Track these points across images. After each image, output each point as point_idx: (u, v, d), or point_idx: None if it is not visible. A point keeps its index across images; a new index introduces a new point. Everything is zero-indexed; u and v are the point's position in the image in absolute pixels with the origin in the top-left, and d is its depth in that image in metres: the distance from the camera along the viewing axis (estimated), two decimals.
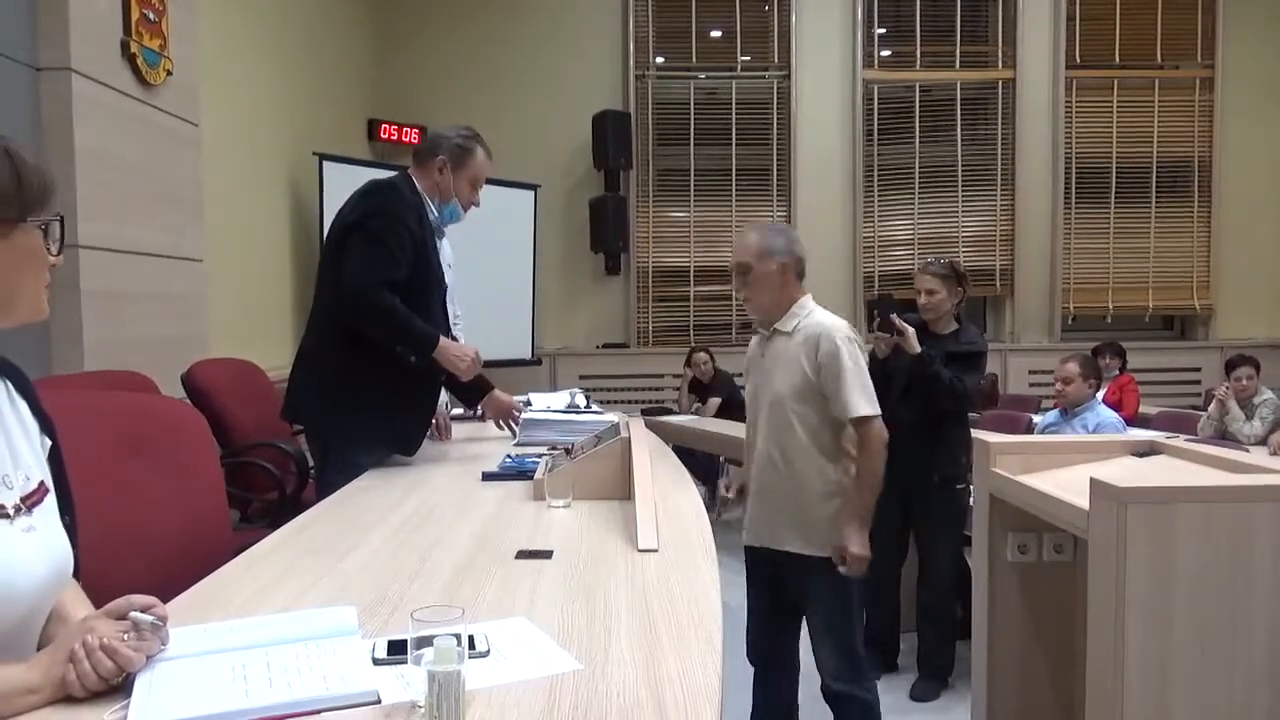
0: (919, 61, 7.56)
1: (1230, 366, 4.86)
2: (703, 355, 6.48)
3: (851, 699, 2.51)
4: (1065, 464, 2.53)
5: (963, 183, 7.56)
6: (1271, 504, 1.91)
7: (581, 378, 6.89)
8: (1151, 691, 1.89)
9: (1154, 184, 7.55)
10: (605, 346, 7.48)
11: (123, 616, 1.11)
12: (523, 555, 1.65)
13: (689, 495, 2.18)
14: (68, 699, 1.02)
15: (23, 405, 1.21)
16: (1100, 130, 7.52)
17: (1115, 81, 7.51)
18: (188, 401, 3.18)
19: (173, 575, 1.47)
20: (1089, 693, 2.02)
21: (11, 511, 1.11)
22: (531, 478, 2.22)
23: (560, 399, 3.45)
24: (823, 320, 2.47)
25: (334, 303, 2.54)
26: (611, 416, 3.00)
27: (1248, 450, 3.88)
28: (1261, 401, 4.68)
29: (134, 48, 3.39)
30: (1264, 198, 7.55)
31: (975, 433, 3.15)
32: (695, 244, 7.56)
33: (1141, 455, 2.64)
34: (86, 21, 3.14)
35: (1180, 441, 2.80)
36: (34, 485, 1.16)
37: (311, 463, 2.90)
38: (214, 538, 1.89)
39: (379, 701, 1.02)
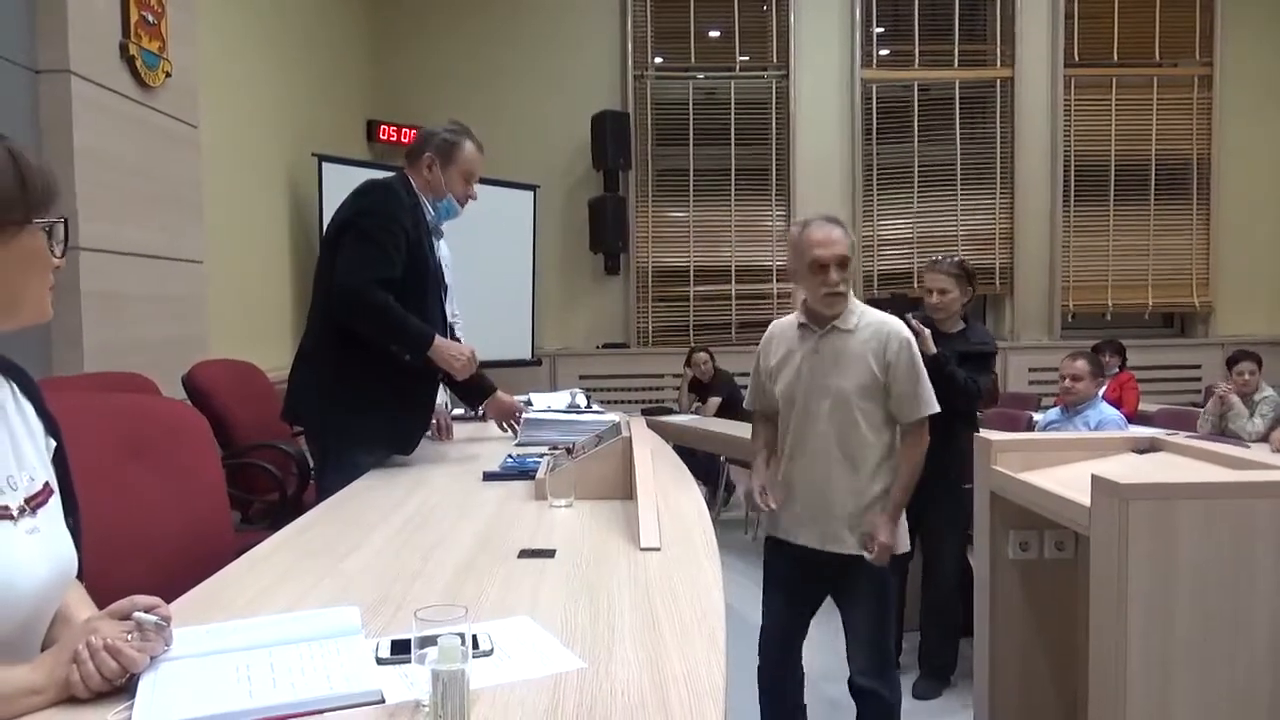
0: (917, 60, 7.57)
1: (1232, 362, 4.86)
2: (703, 355, 6.48)
3: (877, 697, 2.51)
4: (1066, 461, 2.53)
5: (961, 181, 7.57)
6: (1272, 500, 1.91)
7: (581, 378, 6.89)
8: (1154, 687, 1.89)
9: (1153, 181, 7.56)
10: (605, 347, 7.49)
11: (126, 617, 1.11)
12: (525, 555, 1.65)
13: (690, 494, 2.18)
14: (72, 700, 1.02)
15: (28, 407, 1.21)
16: (1099, 128, 7.53)
17: (1114, 80, 7.52)
18: (188, 403, 3.18)
19: (174, 577, 1.47)
20: (1091, 689, 2.02)
21: (15, 513, 1.11)
22: (533, 477, 2.22)
23: (561, 399, 3.45)
24: (883, 318, 2.49)
25: (329, 303, 2.55)
26: (613, 416, 3.00)
27: (1249, 447, 3.88)
28: (1262, 398, 4.69)
29: (133, 49, 3.39)
30: (1263, 194, 7.56)
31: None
32: (695, 244, 7.56)
33: (1142, 452, 2.65)
34: (85, 23, 3.14)
35: (1181, 438, 2.80)
36: (38, 487, 1.16)
37: (312, 464, 2.90)
38: (215, 539, 1.89)
39: (383, 701, 1.02)
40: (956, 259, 3.45)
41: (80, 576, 1.23)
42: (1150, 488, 1.92)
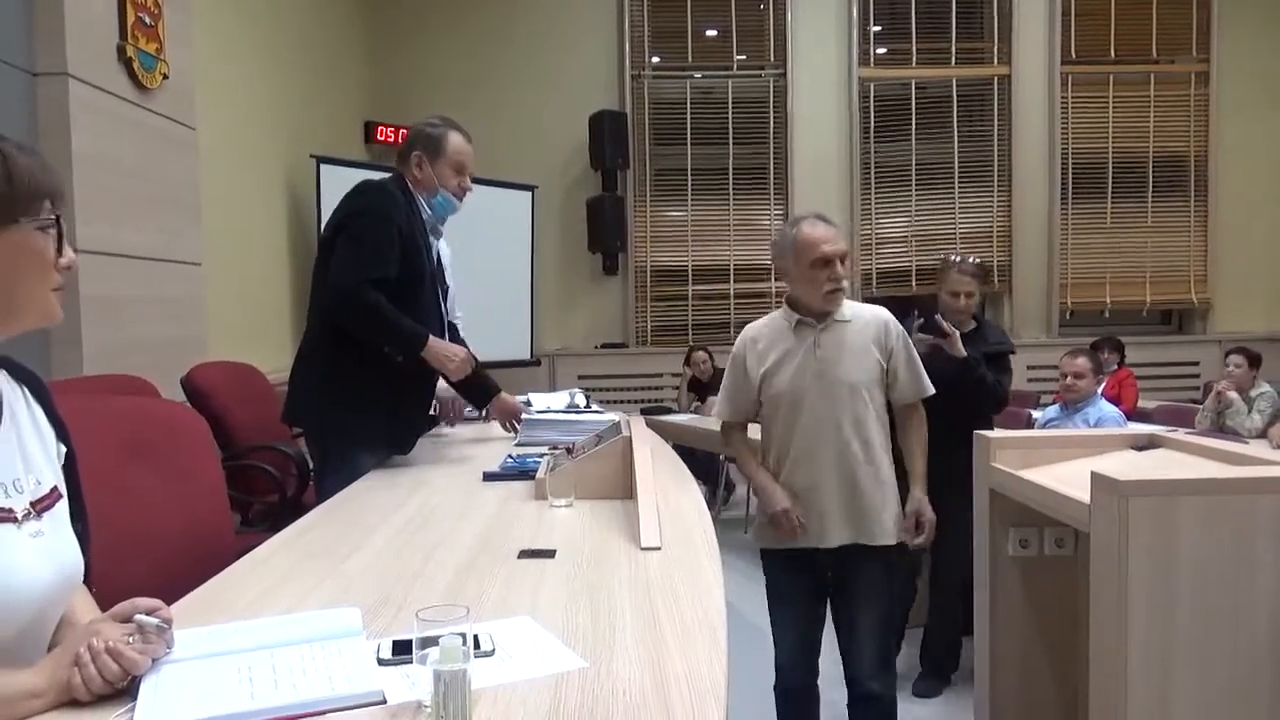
0: (914, 59, 7.56)
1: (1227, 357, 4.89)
2: (702, 354, 6.48)
3: (881, 700, 2.46)
4: (1065, 458, 2.53)
5: (959, 179, 7.57)
6: (1272, 496, 1.91)
7: (580, 378, 6.89)
8: (1154, 684, 1.89)
9: (1150, 178, 7.56)
10: (604, 346, 7.48)
11: (128, 620, 1.11)
12: (525, 555, 1.65)
13: (690, 493, 2.18)
14: (73, 703, 1.02)
15: (39, 410, 1.21)
16: (1096, 125, 7.53)
17: (1111, 77, 7.52)
18: (188, 405, 3.18)
19: (175, 579, 1.47)
20: (1092, 686, 2.02)
21: (20, 516, 1.11)
22: (533, 477, 2.23)
23: (560, 399, 3.46)
24: (870, 307, 2.52)
25: (326, 304, 2.55)
26: (612, 416, 3.00)
27: (1247, 443, 3.88)
28: (1260, 394, 4.69)
29: (130, 52, 3.39)
30: (1260, 191, 7.56)
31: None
32: (693, 243, 7.56)
33: (1141, 449, 2.65)
34: (82, 26, 3.13)
35: (1180, 435, 2.81)
36: (45, 490, 1.16)
37: (312, 465, 2.90)
38: (216, 541, 1.89)
39: (385, 701, 1.02)
40: (975, 259, 3.40)
41: (88, 582, 1.23)
42: (1150, 484, 1.92)
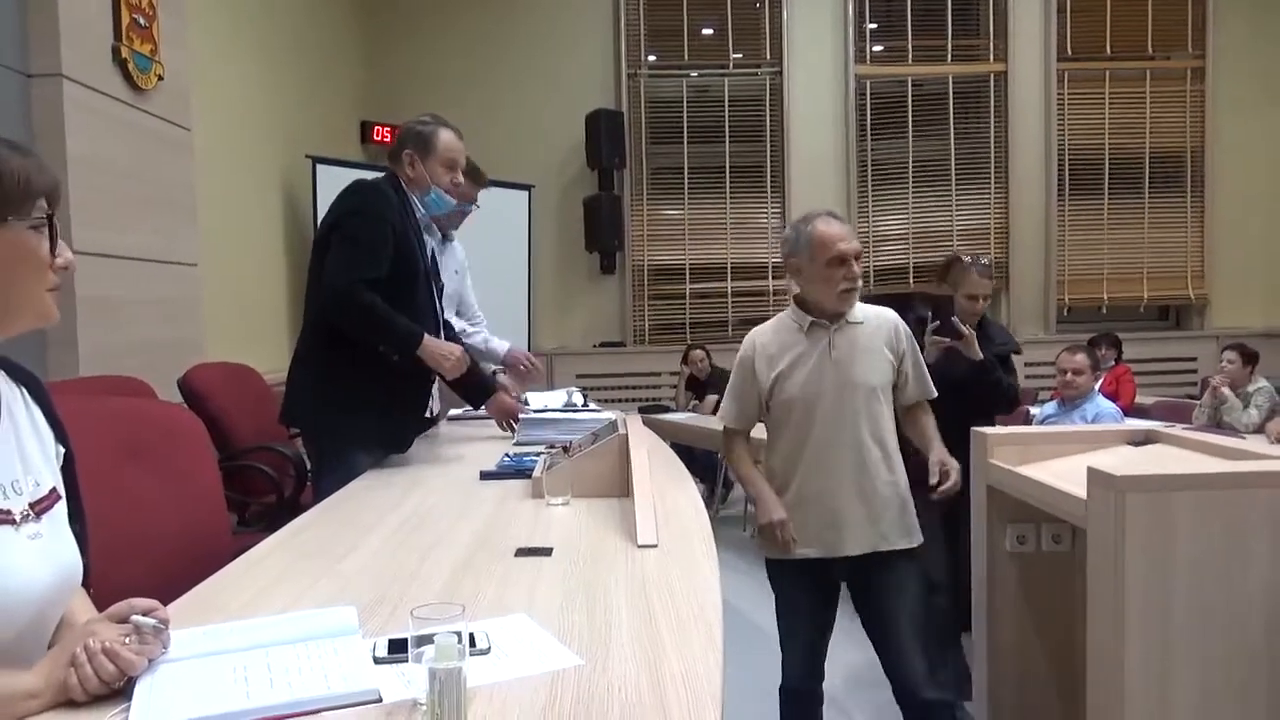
0: (910, 56, 7.56)
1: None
2: (699, 353, 6.48)
3: (945, 706, 2.34)
4: (1062, 454, 2.53)
5: (956, 176, 7.57)
6: (1267, 490, 1.91)
7: (578, 376, 6.88)
8: (1152, 678, 1.89)
9: (1147, 174, 7.56)
10: (602, 345, 7.48)
11: (124, 620, 1.11)
12: (522, 553, 1.65)
13: (688, 491, 2.18)
14: (69, 703, 1.02)
15: (37, 411, 1.21)
16: (1092, 122, 7.53)
17: (1107, 73, 7.53)
18: (184, 406, 3.18)
19: (172, 579, 1.47)
20: (1090, 680, 2.03)
21: (18, 518, 1.10)
22: (530, 476, 2.23)
23: (557, 398, 3.46)
24: (878, 309, 2.48)
25: (320, 304, 2.55)
26: (609, 414, 3.00)
27: (1244, 438, 3.89)
28: (1256, 389, 4.70)
29: (125, 53, 3.38)
30: (1257, 187, 7.56)
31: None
32: (690, 241, 7.56)
33: (1137, 444, 2.65)
34: (77, 27, 3.13)
35: (1177, 430, 2.81)
36: (44, 491, 1.16)
37: (309, 465, 2.90)
38: (213, 541, 1.89)
39: (380, 700, 1.02)
40: (986, 260, 3.36)
41: (86, 584, 1.23)
42: (1145, 479, 1.92)
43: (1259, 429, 4.47)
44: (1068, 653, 2.55)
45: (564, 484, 2.08)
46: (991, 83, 7.53)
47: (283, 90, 5.39)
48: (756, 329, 2.51)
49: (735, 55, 7.53)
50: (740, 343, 2.50)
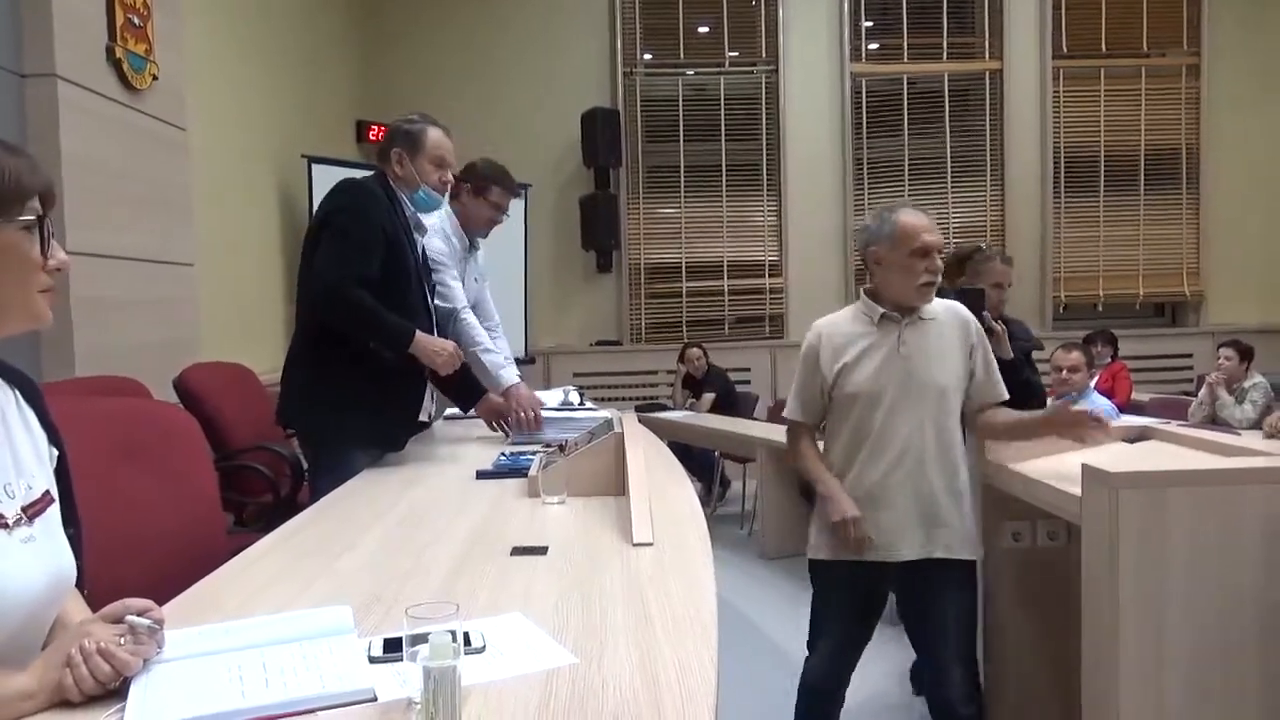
0: (906, 54, 7.56)
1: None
2: (696, 351, 6.49)
3: None
4: (1057, 451, 2.54)
5: (952, 174, 7.57)
6: (1260, 486, 1.92)
7: (575, 375, 6.88)
8: (1147, 672, 1.90)
9: (1142, 171, 7.57)
10: (598, 344, 7.48)
11: (119, 620, 1.10)
12: (518, 552, 1.66)
13: (684, 490, 2.18)
14: (64, 704, 1.02)
15: (30, 414, 1.20)
16: (1088, 119, 7.54)
17: (1102, 70, 7.53)
18: (180, 406, 3.17)
19: (168, 579, 1.47)
20: (1085, 676, 2.03)
21: (10, 521, 1.10)
22: (526, 475, 2.23)
23: (554, 396, 3.46)
24: (946, 303, 2.37)
25: (311, 302, 2.55)
26: (605, 413, 3.00)
27: (1239, 435, 3.89)
28: (1251, 385, 4.71)
29: (119, 53, 3.38)
30: (1252, 183, 7.57)
31: None
32: (686, 240, 7.56)
33: (1133, 441, 2.66)
34: (71, 27, 3.12)
35: (1172, 427, 2.82)
36: (37, 495, 1.15)
37: (305, 465, 2.90)
38: (208, 541, 1.89)
39: (375, 699, 1.02)
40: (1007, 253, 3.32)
41: (80, 587, 1.23)
42: (1139, 476, 1.93)
43: (1254, 425, 4.47)
44: (1064, 648, 2.56)
45: (560, 483, 2.08)
46: (987, 80, 7.54)
47: (278, 90, 5.39)
48: (822, 320, 2.42)
49: (731, 53, 7.53)
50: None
